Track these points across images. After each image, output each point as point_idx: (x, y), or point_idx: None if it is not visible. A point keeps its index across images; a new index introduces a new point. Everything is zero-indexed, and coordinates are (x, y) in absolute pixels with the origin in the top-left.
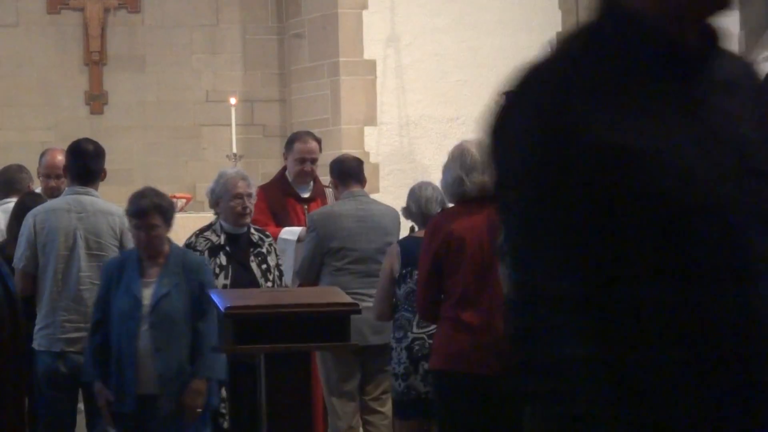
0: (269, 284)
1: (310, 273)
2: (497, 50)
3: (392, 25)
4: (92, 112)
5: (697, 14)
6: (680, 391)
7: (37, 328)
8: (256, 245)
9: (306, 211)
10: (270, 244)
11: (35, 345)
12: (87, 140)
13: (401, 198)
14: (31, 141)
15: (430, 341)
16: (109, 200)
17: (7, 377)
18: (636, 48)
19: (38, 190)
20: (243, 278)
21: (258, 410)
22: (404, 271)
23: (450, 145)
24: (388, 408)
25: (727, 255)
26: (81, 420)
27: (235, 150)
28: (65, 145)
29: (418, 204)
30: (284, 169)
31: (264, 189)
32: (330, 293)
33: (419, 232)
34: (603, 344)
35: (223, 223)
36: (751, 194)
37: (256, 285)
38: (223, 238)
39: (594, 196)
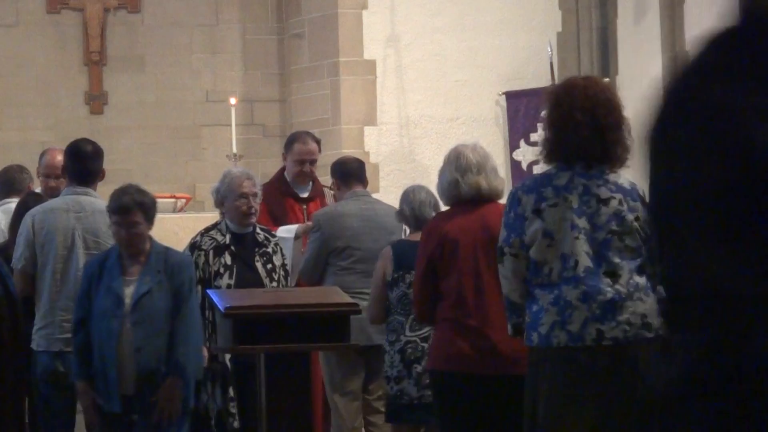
0: (274, 284)
1: (314, 273)
2: (497, 50)
3: (392, 25)
4: (92, 112)
5: None
6: None
7: (35, 328)
8: (262, 245)
9: (305, 211)
10: (276, 244)
11: (34, 345)
12: (85, 140)
13: None
14: (31, 141)
15: (423, 344)
16: None
17: (7, 377)
18: None
19: (38, 190)
20: (248, 278)
21: (258, 410)
22: (396, 275)
23: (450, 145)
24: None
25: None
26: (80, 420)
27: (235, 150)
28: (65, 145)
29: (411, 207)
30: (283, 169)
31: (262, 189)
32: (330, 293)
33: (411, 236)
34: None
35: (228, 223)
36: None
37: (261, 285)
38: (228, 237)
39: None
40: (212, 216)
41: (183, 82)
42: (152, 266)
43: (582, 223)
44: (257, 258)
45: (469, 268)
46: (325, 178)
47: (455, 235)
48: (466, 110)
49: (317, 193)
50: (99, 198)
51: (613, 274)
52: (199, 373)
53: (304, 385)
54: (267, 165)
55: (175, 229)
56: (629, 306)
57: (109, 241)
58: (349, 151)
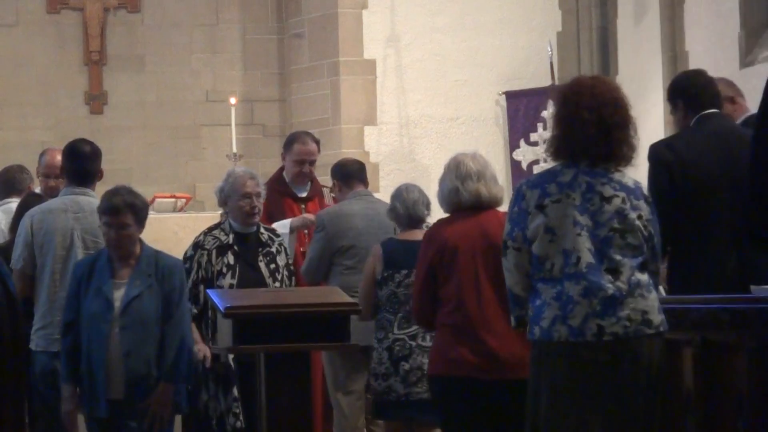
0: (277, 284)
1: (317, 273)
2: (497, 50)
3: (392, 24)
4: (92, 112)
5: None
6: None
7: (34, 328)
8: (265, 245)
9: (303, 211)
10: (280, 244)
11: (32, 345)
12: (83, 141)
13: None
14: (31, 141)
15: (411, 342)
16: None
17: (7, 377)
18: None
19: (38, 190)
20: (250, 278)
21: (258, 410)
22: (386, 273)
23: (450, 144)
24: None
25: None
26: (80, 420)
27: (235, 150)
28: (64, 145)
29: (405, 206)
30: (282, 168)
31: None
32: (330, 293)
33: (401, 234)
34: None
35: (231, 222)
36: None
37: (264, 285)
38: (231, 237)
39: None
40: (212, 216)
41: (183, 82)
42: (143, 270)
43: (584, 220)
44: (260, 258)
45: (468, 275)
46: (324, 178)
47: (455, 242)
48: (466, 110)
49: (316, 193)
50: (97, 198)
51: (615, 271)
52: (190, 379)
53: (304, 385)
54: (267, 165)
55: (175, 228)
56: (630, 302)
57: None
58: (349, 150)
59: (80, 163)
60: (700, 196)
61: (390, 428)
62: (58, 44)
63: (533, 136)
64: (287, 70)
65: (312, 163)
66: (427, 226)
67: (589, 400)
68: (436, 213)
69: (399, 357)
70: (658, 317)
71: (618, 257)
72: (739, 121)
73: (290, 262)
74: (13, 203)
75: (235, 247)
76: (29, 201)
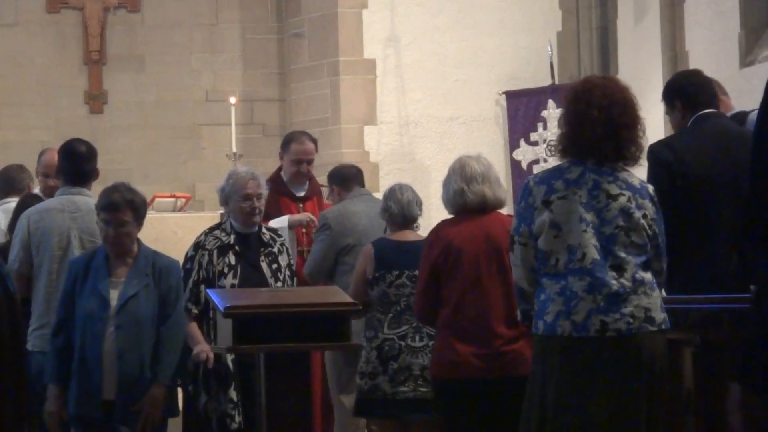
0: (279, 284)
1: (321, 272)
2: (497, 50)
3: (392, 24)
4: (92, 112)
5: None
6: None
7: (31, 328)
8: (267, 245)
9: (301, 210)
10: (282, 244)
11: (29, 345)
12: (79, 141)
13: None
14: (31, 140)
15: (400, 342)
16: None
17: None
18: None
19: (37, 189)
20: (252, 278)
21: (258, 410)
22: (378, 273)
23: (450, 144)
24: None
25: None
26: None
27: (234, 149)
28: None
29: (400, 205)
30: (280, 168)
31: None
32: (330, 293)
33: (393, 234)
34: None
35: (232, 222)
36: None
37: (266, 285)
38: (232, 237)
39: None
40: (212, 215)
41: (183, 82)
42: (140, 269)
43: (590, 217)
44: (262, 258)
45: (471, 277)
46: (323, 178)
47: (460, 244)
48: (466, 110)
49: (314, 193)
50: (93, 198)
51: (619, 268)
52: (185, 381)
53: (304, 385)
54: (267, 164)
55: (174, 228)
56: (633, 299)
57: None
58: (349, 150)
59: (76, 163)
60: (700, 195)
61: (383, 427)
62: (58, 44)
63: (533, 136)
64: (287, 70)
65: (309, 162)
66: (417, 227)
67: (592, 395)
68: (435, 214)
69: (388, 357)
70: (660, 315)
71: (622, 255)
72: None
73: (292, 262)
74: (13, 203)
75: (237, 247)
76: (27, 201)
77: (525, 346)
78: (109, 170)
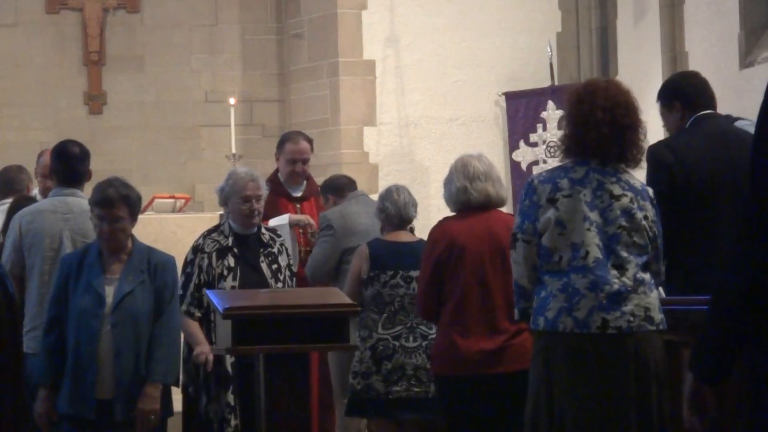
0: (279, 285)
1: (324, 273)
2: (497, 50)
3: (392, 25)
4: (91, 112)
5: None
6: None
7: (24, 330)
8: (267, 245)
9: (298, 211)
10: (281, 244)
11: (23, 347)
12: (72, 142)
13: None
14: (30, 141)
15: (394, 342)
16: None
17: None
18: None
19: (36, 190)
20: (252, 279)
21: (257, 410)
22: (372, 274)
23: (450, 145)
24: None
25: None
26: None
27: (234, 150)
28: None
29: (396, 206)
30: (277, 170)
31: None
32: (330, 293)
33: (388, 235)
34: None
35: (231, 224)
36: None
37: (266, 286)
38: (231, 239)
39: None
40: (211, 216)
41: (182, 83)
42: (135, 265)
43: (594, 216)
44: (262, 258)
45: (475, 274)
46: (322, 179)
47: (463, 241)
48: (465, 110)
49: (311, 193)
50: (86, 199)
51: (621, 267)
52: (178, 380)
53: (303, 385)
54: (266, 165)
55: (174, 229)
56: (634, 298)
57: None
58: (348, 151)
59: (69, 164)
60: (700, 196)
61: (379, 426)
62: (58, 44)
63: (533, 137)
64: (287, 71)
65: (305, 161)
66: (412, 229)
67: (595, 390)
68: (435, 215)
69: (382, 356)
70: (659, 315)
71: (624, 254)
72: None
73: (292, 262)
74: None
75: (235, 249)
76: (19, 203)
77: (527, 339)
78: (109, 171)
